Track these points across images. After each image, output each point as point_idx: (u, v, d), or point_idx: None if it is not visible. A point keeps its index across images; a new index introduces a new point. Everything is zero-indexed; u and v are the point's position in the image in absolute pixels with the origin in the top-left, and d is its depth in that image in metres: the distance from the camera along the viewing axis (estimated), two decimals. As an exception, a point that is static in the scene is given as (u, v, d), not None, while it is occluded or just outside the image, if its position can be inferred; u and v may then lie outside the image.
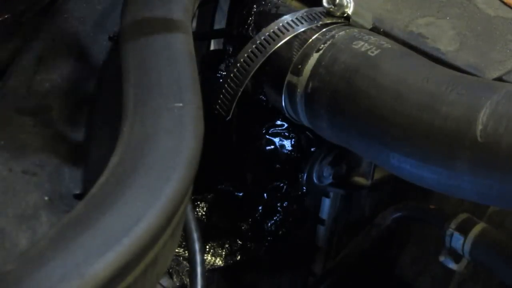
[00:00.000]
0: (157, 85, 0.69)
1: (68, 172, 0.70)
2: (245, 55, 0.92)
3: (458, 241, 1.10)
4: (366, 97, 0.80)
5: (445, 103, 0.73)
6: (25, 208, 0.64)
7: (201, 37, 1.30)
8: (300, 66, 0.89)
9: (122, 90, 0.69)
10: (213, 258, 1.28)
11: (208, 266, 1.26)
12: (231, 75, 0.92)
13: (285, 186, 1.24)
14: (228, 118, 0.93)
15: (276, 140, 1.17)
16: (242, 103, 0.94)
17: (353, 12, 0.93)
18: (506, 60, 0.88)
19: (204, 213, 1.29)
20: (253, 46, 0.92)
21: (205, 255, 1.26)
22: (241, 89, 0.92)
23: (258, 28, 1.00)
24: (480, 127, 0.69)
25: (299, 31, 0.92)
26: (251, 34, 1.04)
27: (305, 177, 1.14)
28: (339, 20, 0.94)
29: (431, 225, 1.21)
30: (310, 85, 0.88)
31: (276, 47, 0.91)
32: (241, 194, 1.27)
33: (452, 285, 1.25)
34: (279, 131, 1.16)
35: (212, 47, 1.44)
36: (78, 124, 0.77)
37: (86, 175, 0.71)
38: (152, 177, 0.57)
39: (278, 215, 1.28)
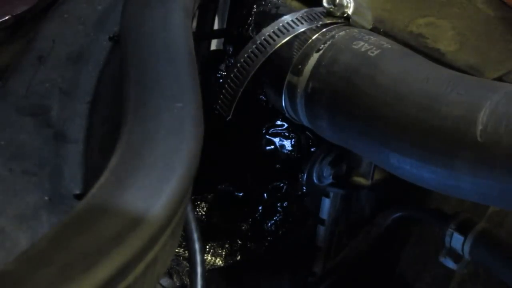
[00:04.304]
0: (157, 85, 0.69)
1: (68, 172, 0.70)
2: (245, 55, 0.92)
3: (458, 241, 1.10)
4: (366, 97, 0.80)
5: (445, 103, 0.73)
6: (25, 208, 0.64)
7: (201, 37, 1.30)
8: (300, 66, 0.89)
9: (122, 90, 0.69)
10: (213, 258, 1.28)
11: (208, 266, 1.26)
12: (231, 75, 0.92)
13: (285, 186, 1.24)
14: (229, 118, 0.94)
15: (276, 140, 1.17)
16: (242, 103, 0.94)
17: (353, 12, 0.93)
18: (506, 60, 0.88)
19: (204, 213, 1.29)
20: (253, 46, 0.92)
21: (205, 255, 1.26)
22: (241, 89, 0.92)
23: (258, 28, 1.00)
24: (480, 127, 0.69)
25: (299, 31, 0.92)
26: (251, 34, 1.04)
27: (305, 177, 1.14)
28: (339, 20, 0.94)
29: (431, 225, 1.21)
30: (310, 85, 0.88)
31: (276, 47, 0.91)
32: (241, 194, 1.27)
33: (452, 285, 1.25)
34: (279, 131, 1.16)
35: (212, 47, 1.44)
36: (78, 124, 0.77)
37: (86, 175, 0.71)
38: (152, 177, 0.57)
39: (278, 215, 1.28)
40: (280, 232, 1.29)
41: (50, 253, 0.49)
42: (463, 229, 1.10)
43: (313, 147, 1.16)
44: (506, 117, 0.68)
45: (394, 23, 0.94)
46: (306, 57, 0.89)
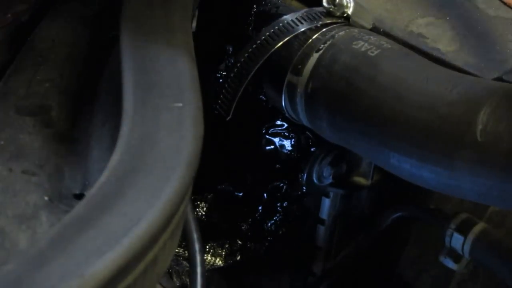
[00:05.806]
0: (157, 85, 0.68)
1: (68, 172, 0.70)
2: (245, 55, 0.92)
3: (458, 241, 1.10)
4: (366, 97, 0.80)
5: (445, 103, 0.73)
6: (25, 208, 0.63)
7: (201, 37, 1.30)
8: (300, 66, 0.89)
9: (122, 90, 0.69)
10: (213, 258, 1.28)
11: (208, 266, 1.26)
12: (231, 75, 0.92)
13: (285, 186, 1.24)
14: (228, 118, 0.94)
15: (276, 140, 1.17)
16: (242, 103, 0.94)
17: (353, 12, 0.93)
18: (506, 60, 0.88)
19: (204, 213, 1.28)
20: (253, 46, 0.92)
21: (205, 255, 1.26)
22: (241, 89, 0.92)
23: (258, 28, 1.00)
24: (480, 126, 0.69)
25: (299, 31, 0.92)
26: (251, 34, 1.04)
27: (305, 177, 1.14)
28: (339, 20, 0.94)
29: (431, 225, 1.21)
30: (310, 85, 0.88)
31: (276, 47, 0.91)
32: (241, 194, 1.27)
33: (452, 285, 1.25)
34: (279, 131, 1.16)
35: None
36: (78, 124, 0.77)
37: (86, 175, 0.71)
38: (152, 177, 0.57)
39: (278, 215, 1.28)
40: (280, 232, 1.29)
41: (50, 253, 0.49)
42: (463, 229, 1.10)
43: (313, 147, 1.16)
44: (506, 117, 0.68)
45: (394, 23, 0.94)
46: (306, 57, 0.89)
